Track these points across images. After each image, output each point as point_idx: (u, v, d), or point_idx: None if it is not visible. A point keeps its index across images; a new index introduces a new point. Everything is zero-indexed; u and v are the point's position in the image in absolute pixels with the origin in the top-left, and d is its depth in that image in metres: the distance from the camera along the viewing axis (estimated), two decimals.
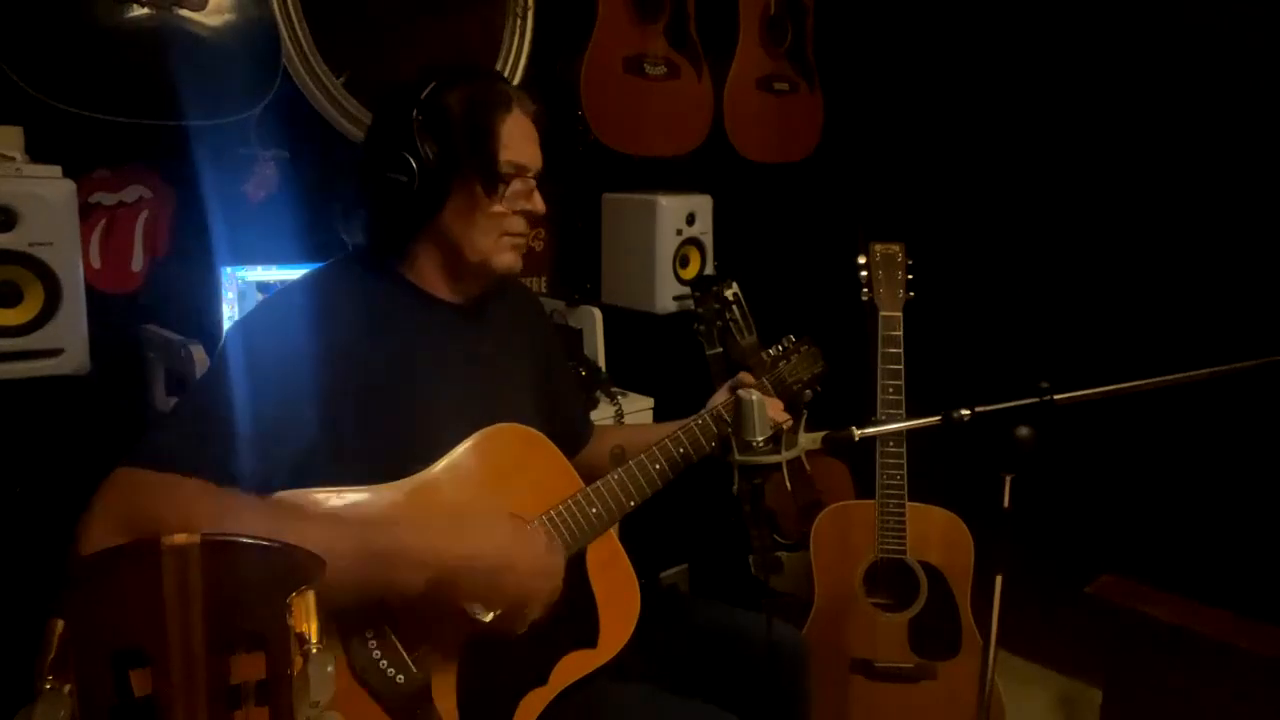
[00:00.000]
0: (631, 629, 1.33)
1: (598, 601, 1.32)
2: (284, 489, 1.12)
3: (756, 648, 1.39)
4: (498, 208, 1.28)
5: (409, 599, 1.11)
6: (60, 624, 0.54)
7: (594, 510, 1.32)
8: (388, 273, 1.31)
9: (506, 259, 1.32)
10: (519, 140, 1.30)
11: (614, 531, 1.38)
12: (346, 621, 1.12)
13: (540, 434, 1.34)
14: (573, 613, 1.30)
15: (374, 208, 1.29)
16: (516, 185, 1.30)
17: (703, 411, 1.49)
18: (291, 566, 0.60)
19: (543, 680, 1.25)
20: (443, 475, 1.22)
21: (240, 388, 1.10)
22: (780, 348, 1.65)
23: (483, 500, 1.25)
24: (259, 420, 1.09)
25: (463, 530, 1.14)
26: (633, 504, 1.37)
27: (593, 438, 1.63)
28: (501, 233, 1.30)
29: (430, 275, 1.32)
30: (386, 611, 1.15)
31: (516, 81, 2.20)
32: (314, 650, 0.58)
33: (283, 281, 1.82)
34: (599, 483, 1.34)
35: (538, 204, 1.33)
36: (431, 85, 1.26)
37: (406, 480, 1.19)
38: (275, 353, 1.15)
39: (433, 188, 1.25)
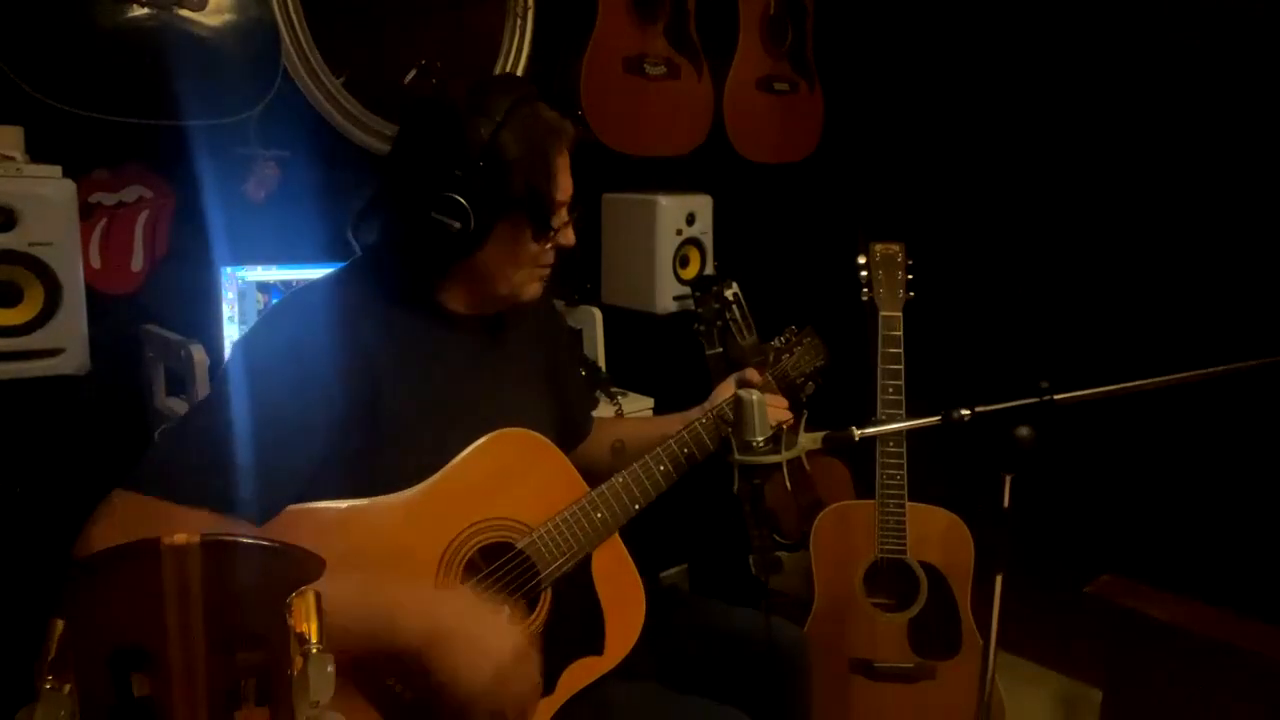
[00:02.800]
0: (637, 634, 1.32)
1: (603, 607, 1.32)
2: (291, 504, 1.11)
3: (758, 646, 1.39)
4: (541, 250, 1.27)
5: (405, 654, 1.07)
6: (60, 624, 0.54)
7: (599, 515, 1.32)
8: (403, 286, 1.27)
9: (534, 289, 1.32)
10: (563, 176, 1.26)
11: (618, 536, 1.38)
12: None
13: (546, 440, 1.33)
14: (579, 619, 1.29)
15: (411, 242, 1.24)
16: (562, 229, 1.29)
17: (705, 407, 1.49)
18: (291, 566, 0.60)
19: (550, 689, 1.24)
20: (447, 481, 1.21)
21: (246, 407, 1.07)
22: (783, 339, 1.64)
23: (483, 503, 1.24)
24: (265, 440, 1.06)
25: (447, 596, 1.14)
26: (637, 508, 1.36)
27: (592, 432, 1.62)
28: (533, 265, 1.29)
29: (452, 297, 1.29)
30: None
31: None
32: (314, 650, 0.58)
33: (283, 282, 1.82)
34: (603, 487, 1.34)
35: (570, 238, 1.32)
36: (492, 129, 1.18)
37: (411, 489, 1.18)
38: (283, 368, 1.12)
39: (480, 230, 1.21)
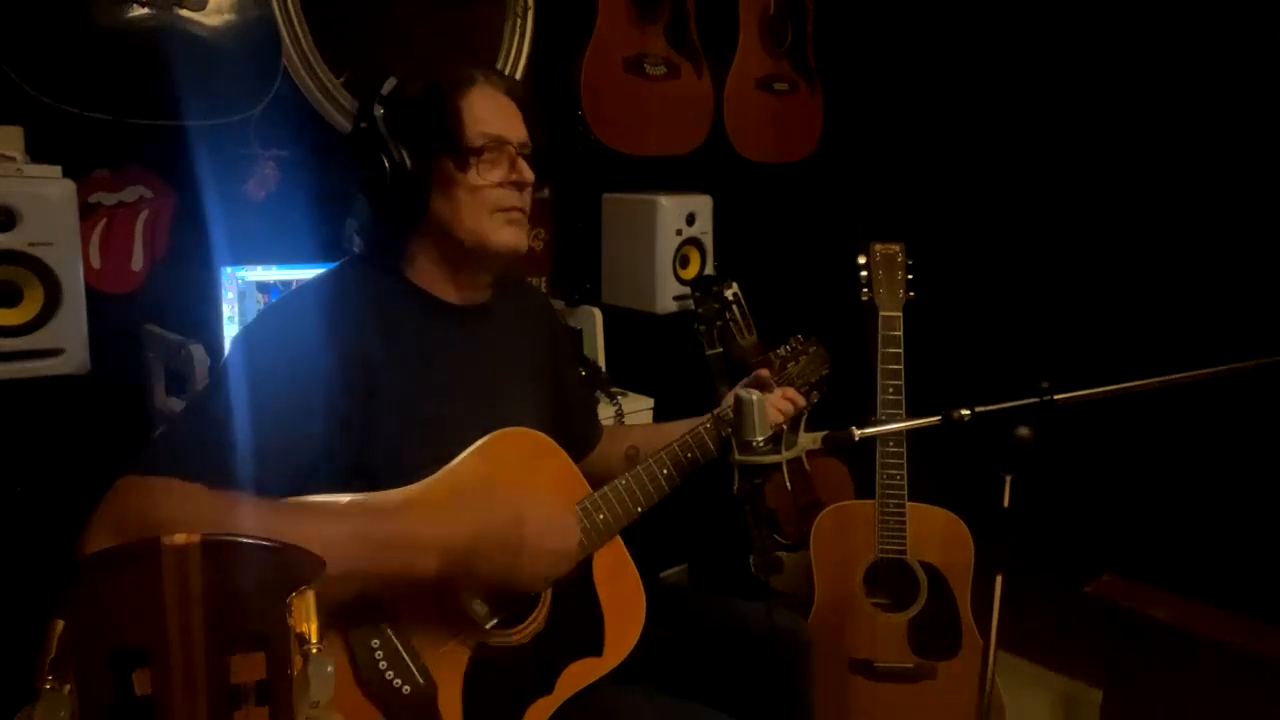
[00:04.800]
0: (637, 636, 1.32)
1: (603, 609, 1.32)
2: (291, 495, 1.11)
3: (759, 636, 1.39)
4: (477, 180, 1.26)
5: (418, 588, 1.10)
6: (60, 624, 0.54)
7: (601, 516, 1.32)
8: (392, 276, 1.29)
9: (504, 235, 1.28)
10: (489, 112, 1.27)
11: (620, 538, 1.37)
12: (351, 627, 1.11)
13: (548, 438, 1.33)
14: (579, 620, 1.29)
15: (363, 211, 1.28)
16: (492, 155, 1.27)
17: (713, 413, 1.49)
18: (291, 566, 0.60)
19: (549, 689, 1.24)
20: (449, 480, 1.21)
21: (244, 396, 1.08)
22: (789, 348, 1.64)
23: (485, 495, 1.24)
24: (263, 428, 1.07)
25: (464, 509, 1.15)
26: (640, 510, 1.36)
27: (603, 439, 1.61)
28: (491, 208, 1.27)
29: (433, 275, 1.30)
30: (392, 616, 1.14)
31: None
32: (314, 650, 0.59)
33: (283, 281, 1.82)
34: (606, 488, 1.34)
35: (524, 171, 1.29)
36: (392, 82, 1.27)
37: (412, 486, 1.18)
38: (280, 361, 1.14)
39: (411, 179, 1.24)
